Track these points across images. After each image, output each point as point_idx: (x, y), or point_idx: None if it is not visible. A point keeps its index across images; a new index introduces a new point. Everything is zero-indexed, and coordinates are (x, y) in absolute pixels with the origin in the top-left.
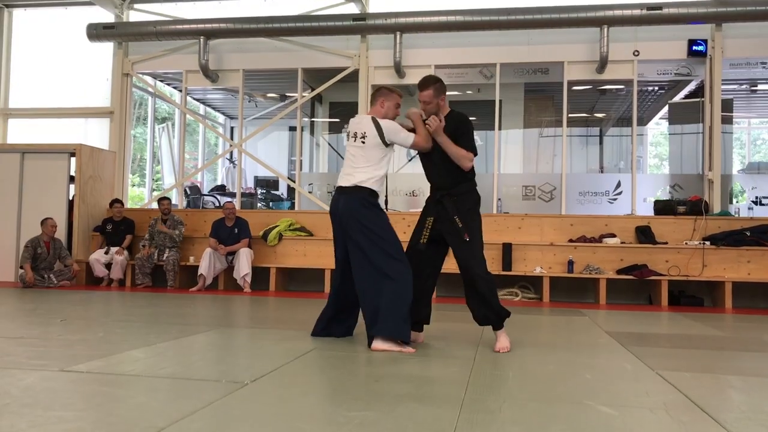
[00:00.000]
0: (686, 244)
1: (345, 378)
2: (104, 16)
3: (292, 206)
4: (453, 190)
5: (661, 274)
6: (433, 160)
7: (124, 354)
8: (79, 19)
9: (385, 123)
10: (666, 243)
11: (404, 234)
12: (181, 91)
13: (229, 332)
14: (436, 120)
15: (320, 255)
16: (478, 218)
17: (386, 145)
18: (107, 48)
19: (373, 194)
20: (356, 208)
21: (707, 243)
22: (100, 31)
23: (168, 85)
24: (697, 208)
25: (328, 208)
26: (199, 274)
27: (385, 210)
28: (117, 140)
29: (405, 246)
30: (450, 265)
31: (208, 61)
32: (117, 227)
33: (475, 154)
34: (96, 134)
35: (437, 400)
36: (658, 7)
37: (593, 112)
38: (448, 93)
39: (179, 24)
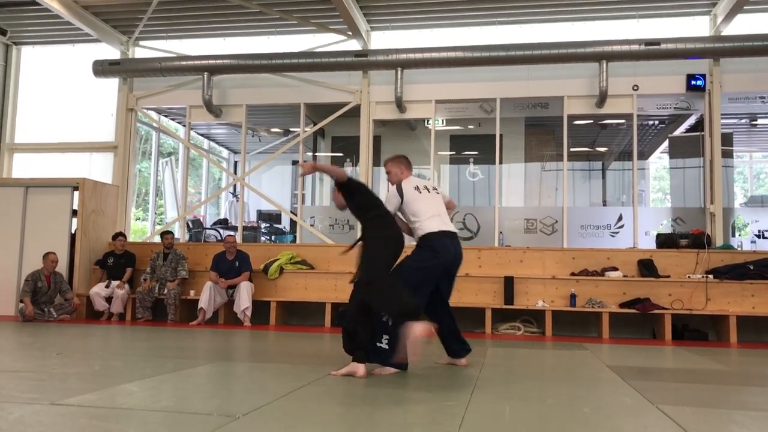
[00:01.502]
0: (689, 277)
1: (338, 411)
2: (110, 52)
3: (294, 240)
4: None
5: (664, 308)
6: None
7: (118, 387)
8: (86, 56)
9: None
10: (669, 276)
11: None
12: (185, 126)
13: (226, 366)
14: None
15: (321, 288)
16: None
17: None
18: (113, 84)
19: None
20: None
21: (710, 276)
22: (106, 68)
23: (172, 120)
24: (699, 241)
25: (329, 241)
26: (199, 307)
27: None
28: (120, 174)
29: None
30: (454, 299)
31: (211, 97)
32: (118, 261)
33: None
34: (100, 169)
35: None
36: (657, 42)
37: (594, 146)
38: (450, 127)
39: (183, 60)
